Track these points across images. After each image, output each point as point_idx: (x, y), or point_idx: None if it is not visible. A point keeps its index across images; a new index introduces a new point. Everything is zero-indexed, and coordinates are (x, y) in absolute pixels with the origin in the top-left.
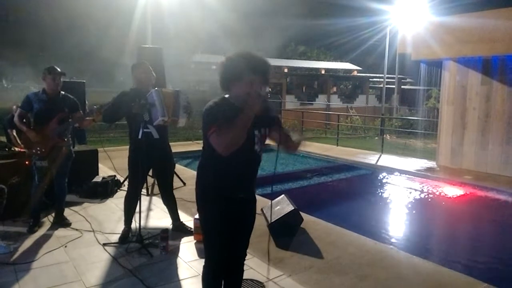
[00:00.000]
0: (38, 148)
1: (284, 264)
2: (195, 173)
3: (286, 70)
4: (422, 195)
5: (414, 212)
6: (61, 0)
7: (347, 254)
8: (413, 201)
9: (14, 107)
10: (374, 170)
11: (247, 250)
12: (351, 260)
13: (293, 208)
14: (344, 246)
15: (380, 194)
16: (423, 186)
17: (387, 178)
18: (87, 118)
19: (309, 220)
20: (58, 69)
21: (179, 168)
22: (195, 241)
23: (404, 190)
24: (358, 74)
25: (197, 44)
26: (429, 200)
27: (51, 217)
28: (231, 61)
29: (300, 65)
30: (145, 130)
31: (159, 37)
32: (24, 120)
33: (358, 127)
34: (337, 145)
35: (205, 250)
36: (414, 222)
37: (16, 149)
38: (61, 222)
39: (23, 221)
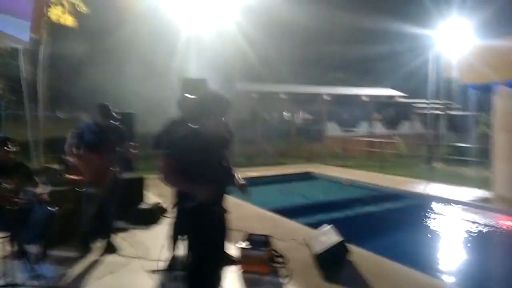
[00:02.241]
0: (87, 176)
1: None
2: (237, 200)
3: (326, 97)
4: (479, 227)
5: (470, 245)
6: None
7: None
8: (470, 233)
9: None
10: (424, 200)
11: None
12: None
13: (339, 239)
14: (395, 281)
15: (432, 225)
16: (479, 217)
17: (438, 208)
18: (133, 149)
19: (356, 252)
20: (105, 104)
21: None
22: (241, 270)
23: (459, 222)
24: (401, 100)
25: (236, 73)
26: (487, 232)
27: (100, 243)
28: (204, 100)
29: (340, 91)
30: None
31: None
32: (76, 150)
33: (403, 155)
34: (382, 173)
35: None
36: (470, 256)
37: (69, 176)
38: (110, 248)
39: (73, 247)
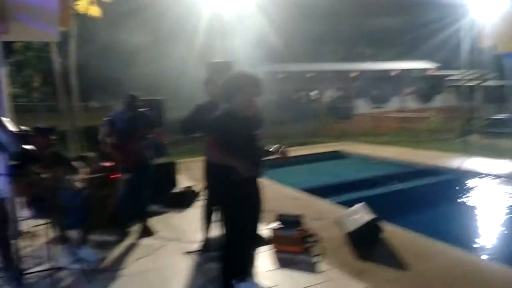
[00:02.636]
0: (119, 163)
1: (365, 275)
2: (269, 182)
3: (354, 74)
4: None
5: (508, 220)
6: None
7: (435, 266)
8: (508, 208)
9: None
10: (459, 174)
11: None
12: (439, 272)
13: (372, 216)
14: (431, 258)
15: (468, 200)
16: None
17: (475, 183)
18: (162, 136)
19: (390, 230)
20: (134, 93)
21: None
22: (275, 249)
23: (496, 196)
24: (433, 73)
25: (260, 55)
26: None
27: (137, 227)
28: (232, 80)
29: (369, 67)
30: None
31: (228, 49)
32: (108, 138)
33: (437, 129)
34: (415, 149)
35: None
36: (509, 231)
37: (103, 163)
38: (147, 231)
39: (111, 231)
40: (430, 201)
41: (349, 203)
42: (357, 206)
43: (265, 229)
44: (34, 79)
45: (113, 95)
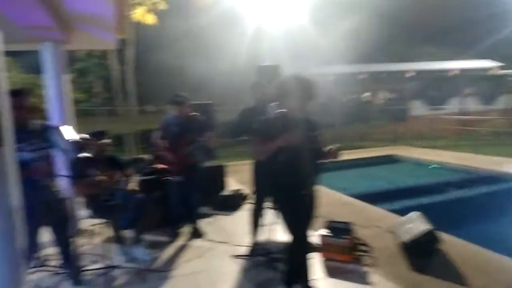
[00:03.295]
0: (171, 166)
1: None
2: (323, 188)
3: (410, 74)
4: None
5: None
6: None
7: (497, 283)
8: None
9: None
10: None
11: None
12: None
13: (428, 226)
14: (493, 273)
15: None
16: None
17: None
18: (212, 139)
19: (448, 241)
20: (183, 97)
21: None
22: (323, 257)
23: None
24: (497, 72)
25: (313, 56)
26: None
27: (188, 228)
28: (285, 82)
29: (426, 67)
30: None
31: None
32: (160, 141)
33: (501, 132)
34: (476, 154)
35: None
36: None
37: (157, 166)
38: (196, 233)
39: (163, 232)
40: (493, 211)
41: (402, 211)
42: (411, 214)
43: (313, 236)
44: (95, 85)
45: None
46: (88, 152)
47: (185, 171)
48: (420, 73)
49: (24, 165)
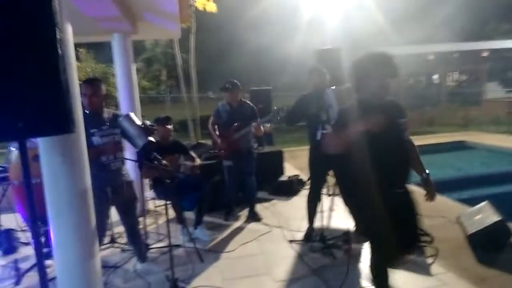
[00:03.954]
0: (224, 151)
1: (488, 284)
2: None
3: (485, 54)
4: None
5: None
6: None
7: None
8: None
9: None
10: None
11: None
12: None
13: (499, 218)
14: None
15: None
16: None
17: None
18: (264, 125)
19: None
20: (233, 84)
21: None
22: None
23: None
24: None
25: (378, 38)
26: None
27: (245, 212)
28: (361, 62)
29: (503, 45)
30: (323, 131)
31: (350, 36)
32: (214, 127)
33: None
34: None
35: None
36: None
37: (216, 151)
38: (254, 216)
39: (222, 214)
40: None
41: (472, 201)
42: (481, 204)
43: None
44: (161, 73)
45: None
46: (152, 137)
47: (236, 156)
48: (495, 52)
49: (94, 150)
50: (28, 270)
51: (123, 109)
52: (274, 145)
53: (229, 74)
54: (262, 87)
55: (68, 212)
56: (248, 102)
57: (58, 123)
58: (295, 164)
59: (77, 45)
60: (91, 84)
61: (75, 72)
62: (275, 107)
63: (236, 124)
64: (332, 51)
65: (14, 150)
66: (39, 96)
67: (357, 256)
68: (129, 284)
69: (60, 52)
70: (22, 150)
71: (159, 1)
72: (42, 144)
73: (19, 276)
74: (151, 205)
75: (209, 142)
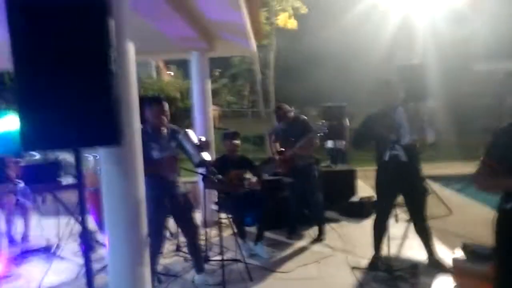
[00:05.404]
0: (282, 168)
1: None
2: (465, 200)
3: None
4: None
5: None
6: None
7: None
8: None
9: None
10: None
11: None
12: None
13: None
14: None
15: None
16: None
17: None
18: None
19: None
20: (280, 105)
21: (446, 193)
22: (456, 283)
23: None
24: None
25: (479, 50)
26: None
27: (311, 231)
28: None
29: None
30: (392, 152)
31: (431, 51)
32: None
33: None
34: None
35: None
36: None
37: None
38: (318, 237)
39: (285, 232)
40: None
41: None
42: None
43: (447, 257)
44: (244, 89)
45: (307, 101)
46: (207, 155)
47: (294, 173)
48: None
49: (153, 163)
50: (99, 270)
51: (198, 123)
52: (348, 163)
53: (309, 90)
54: (336, 104)
55: (121, 220)
56: (302, 117)
57: (107, 135)
58: (371, 184)
59: (168, 62)
60: (160, 103)
61: (133, 88)
62: (320, 122)
63: (291, 140)
64: (414, 67)
65: (91, 158)
66: (91, 110)
67: None
68: None
69: (113, 69)
70: (77, 159)
71: (231, 20)
72: (102, 155)
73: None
74: (215, 217)
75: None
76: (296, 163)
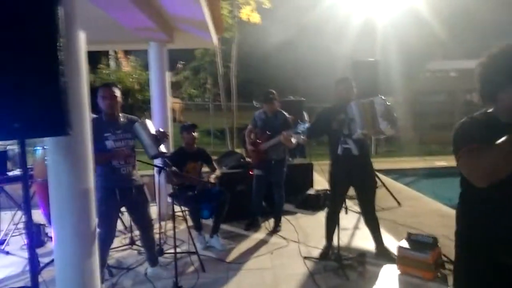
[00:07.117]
0: (254, 160)
1: None
2: (415, 193)
3: None
4: None
5: None
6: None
7: None
8: None
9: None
10: None
11: None
12: None
13: None
14: None
15: None
16: None
17: None
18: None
19: None
20: (271, 94)
21: (397, 186)
22: (401, 271)
23: None
24: None
25: (434, 50)
26: None
27: (267, 223)
28: (499, 60)
29: None
30: (344, 145)
31: (387, 48)
32: (248, 136)
33: None
34: None
35: None
36: None
37: (246, 160)
38: (274, 229)
39: (242, 224)
40: None
41: None
42: None
43: (394, 246)
44: (207, 82)
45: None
46: (163, 148)
47: (265, 166)
48: None
49: (106, 153)
50: (48, 264)
51: (155, 115)
52: (306, 158)
53: (270, 84)
54: (295, 98)
55: (68, 212)
56: (284, 112)
57: (54, 125)
58: (327, 178)
59: (128, 53)
60: (107, 87)
61: (83, 77)
62: (302, 122)
63: (267, 133)
64: (369, 63)
65: (39, 149)
66: (36, 98)
67: (373, 279)
68: (136, 287)
69: (61, 57)
70: (22, 149)
71: (190, 13)
72: (48, 144)
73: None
74: (171, 211)
75: (240, 151)
76: (269, 157)
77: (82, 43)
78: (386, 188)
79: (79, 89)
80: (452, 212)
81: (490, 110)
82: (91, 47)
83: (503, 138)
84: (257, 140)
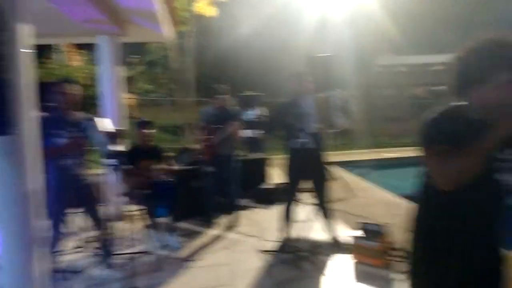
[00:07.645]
0: (205, 155)
1: None
2: (368, 185)
3: None
4: None
5: None
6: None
7: None
8: None
9: None
10: None
11: None
12: None
13: None
14: None
15: None
16: None
17: None
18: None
19: None
20: (221, 89)
21: (352, 178)
22: (354, 260)
23: None
24: None
25: (385, 45)
26: None
27: (224, 219)
28: (478, 53)
29: None
30: (299, 139)
31: (340, 43)
32: (199, 131)
33: None
34: None
35: None
36: None
37: (200, 156)
38: (230, 224)
39: (198, 221)
40: None
41: None
42: None
43: (347, 236)
44: (162, 76)
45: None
46: (121, 143)
47: (216, 162)
48: None
49: (55, 149)
50: None
51: (106, 112)
52: (264, 152)
53: (228, 79)
54: (253, 93)
55: (12, 215)
56: (234, 107)
57: None
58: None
59: (80, 47)
60: (63, 83)
61: (28, 73)
62: (259, 111)
63: (219, 127)
64: (323, 58)
65: None
66: None
67: (327, 269)
68: None
69: (2, 52)
70: None
71: (143, 5)
72: None
73: None
74: (125, 210)
75: (195, 147)
76: (219, 152)
77: (27, 37)
78: (340, 179)
79: (23, 86)
80: (399, 200)
81: (460, 104)
82: (38, 41)
83: (472, 144)
84: (210, 136)
